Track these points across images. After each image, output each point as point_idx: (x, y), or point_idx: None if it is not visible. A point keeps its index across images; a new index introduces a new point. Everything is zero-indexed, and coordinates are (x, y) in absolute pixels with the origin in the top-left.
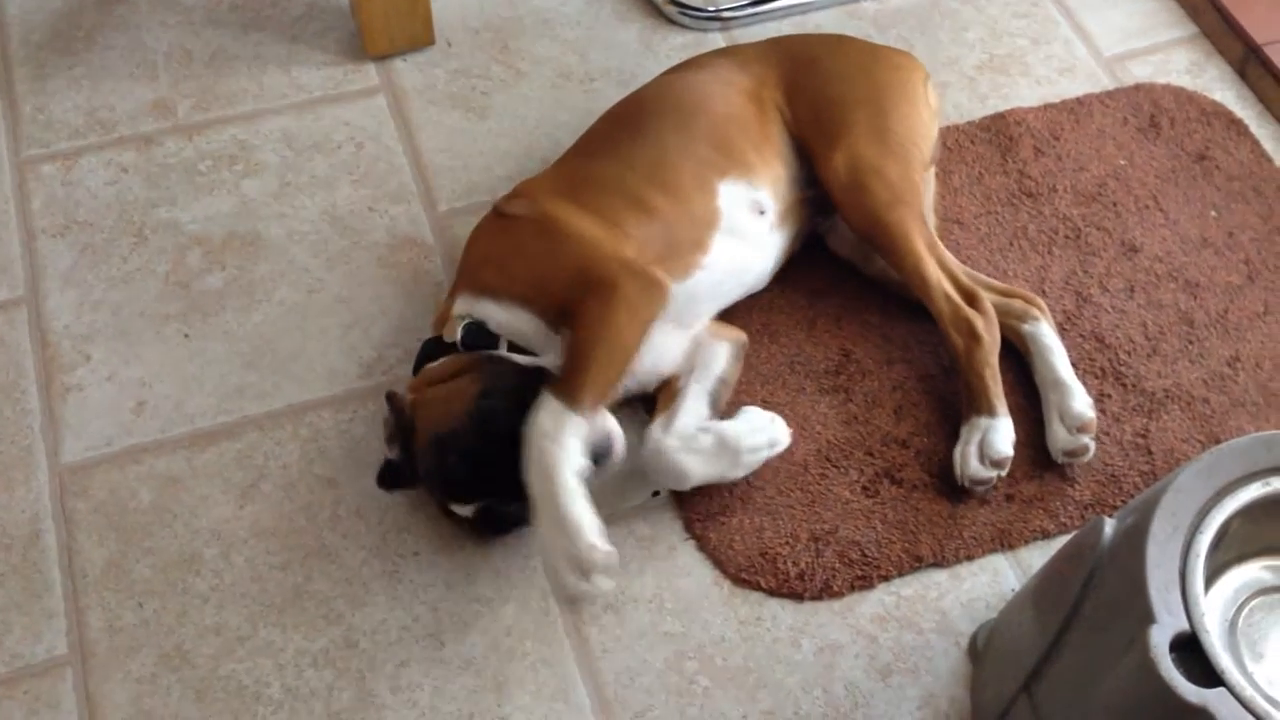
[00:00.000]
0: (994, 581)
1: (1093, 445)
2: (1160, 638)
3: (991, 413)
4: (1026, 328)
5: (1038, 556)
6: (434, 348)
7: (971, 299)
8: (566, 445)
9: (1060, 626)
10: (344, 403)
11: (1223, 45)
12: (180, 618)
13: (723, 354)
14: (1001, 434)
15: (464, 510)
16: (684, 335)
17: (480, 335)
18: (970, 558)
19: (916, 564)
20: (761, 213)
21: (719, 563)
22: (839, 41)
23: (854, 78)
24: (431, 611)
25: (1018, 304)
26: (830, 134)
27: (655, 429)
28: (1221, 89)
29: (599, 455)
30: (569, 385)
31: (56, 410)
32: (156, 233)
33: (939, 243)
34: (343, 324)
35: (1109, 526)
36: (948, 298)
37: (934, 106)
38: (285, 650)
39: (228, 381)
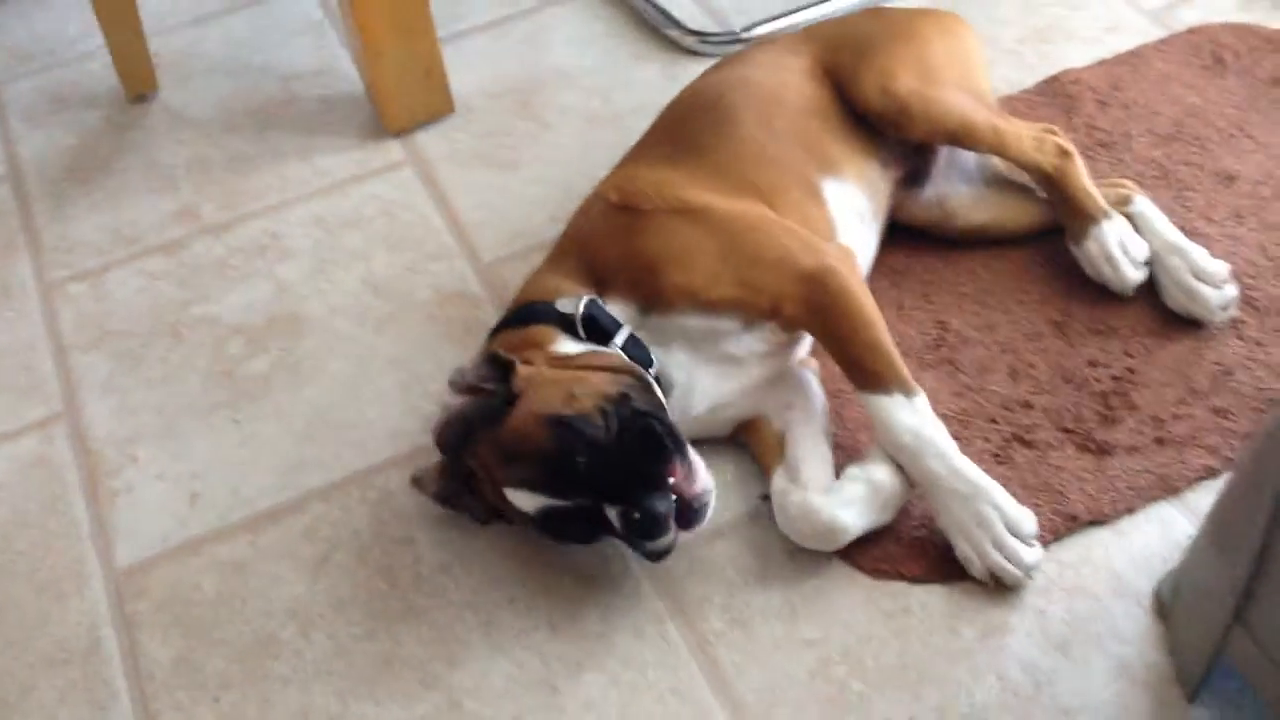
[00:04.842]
0: (1164, 532)
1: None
2: None
3: (1107, 215)
4: (1130, 209)
5: (1206, 498)
6: (547, 313)
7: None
8: (936, 424)
9: (1265, 532)
10: (411, 460)
11: None
12: (263, 706)
13: (815, 381)
14: (1127, 229)
15: (535, 503)
16: (778, 365)
17: (604, 317)
18: (1131, 510)
19: (1072, 524)
20: (860, 214)
21: (849, 557)
22: (877, 8)
23: (888, 22)
24: (538, 657)
25: (1112, 191)
26: (862, 61)
27: (784, 483)
28: (1277, 18)
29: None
30: (885, 378)
31: (105, 516)
32: (193, 329)
33: (1005, 115)
34: (400, 384)
35: None
36: (1022, 137)
37: (982, 54)
38: None
39: (285, 459)
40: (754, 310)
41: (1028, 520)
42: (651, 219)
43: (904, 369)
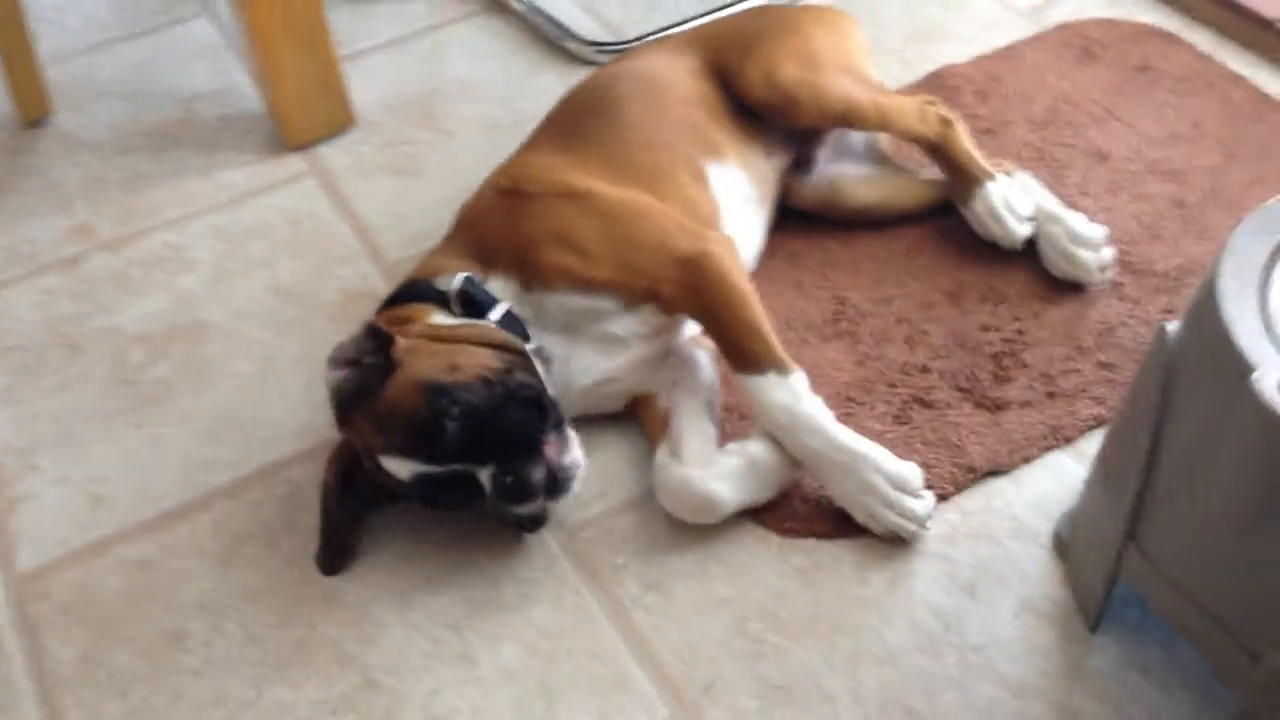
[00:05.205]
0: (1059, 478)
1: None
2: (1267, 380)
3: (991, 176)
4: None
5: (1096, 445)
6: (426, 291)
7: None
8: (812, 400)
9: (1149, 452)
10: (319, 454)
11: None
12: (174, 699)
13: (705, 361)
14: (1011, 188)
15: (410, 469)
16: (663, 345)
17: (479, 293)
18: (1027, 460)
19: (972, 475)
20: (746, 198)
21: (760, 518)
22: (761, 7)
23: (772, 19)
24: (454, 633)
25: (995, 170)
26: (747, 54)
27: (665, 458)
28: (1142, 13)
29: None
30: (759, 358)
31: (7, 523)
32: (92, 340)
33: (887, 92)
34: (306, 382)
35: (1170, 329)
36: (905, 112)
37: (865, 45)
38: (298, 706)
39: (190, 460)
40: (632, 292)
41: (912, 474)
42: (536, 201)
43: (779, 350)
